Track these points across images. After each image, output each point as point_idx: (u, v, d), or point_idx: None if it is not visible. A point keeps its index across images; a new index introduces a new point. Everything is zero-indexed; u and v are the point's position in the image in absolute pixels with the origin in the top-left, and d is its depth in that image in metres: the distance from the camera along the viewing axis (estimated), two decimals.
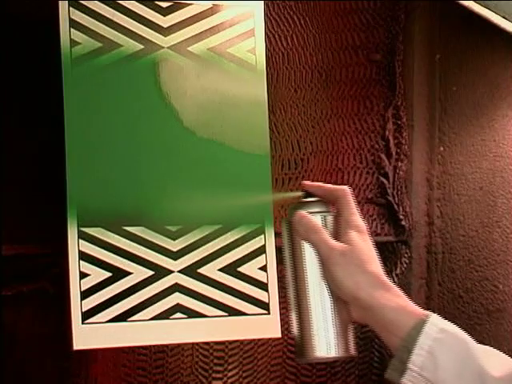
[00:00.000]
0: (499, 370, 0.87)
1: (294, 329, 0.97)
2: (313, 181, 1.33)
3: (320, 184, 1.02)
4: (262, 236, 1.14)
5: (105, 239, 1.07)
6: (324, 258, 0.94)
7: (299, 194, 1.02)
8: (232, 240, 1.13)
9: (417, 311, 0.90)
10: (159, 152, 1.11)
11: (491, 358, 0.89)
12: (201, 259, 1.11)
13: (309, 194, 1.01)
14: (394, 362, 0.90)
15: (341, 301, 0.95)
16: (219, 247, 1.12)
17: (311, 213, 0.98)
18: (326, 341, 0.95)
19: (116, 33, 1.10)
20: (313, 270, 0.97)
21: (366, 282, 0.92)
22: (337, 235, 0.97)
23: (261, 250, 1.14)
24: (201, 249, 1.11)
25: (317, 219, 0.98)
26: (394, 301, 0.91)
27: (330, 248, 0.94)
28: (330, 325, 0.95)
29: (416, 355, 0.87)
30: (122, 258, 1.07)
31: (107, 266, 1.07)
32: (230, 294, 1.11)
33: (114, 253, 1.07)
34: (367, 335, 1.30)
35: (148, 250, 1.09)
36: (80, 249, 1.06)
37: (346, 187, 0.99)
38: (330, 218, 0.99)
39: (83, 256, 1.06)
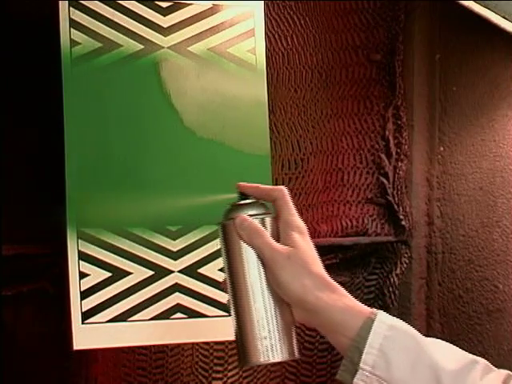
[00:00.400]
0: (452, 363, 0.87)
1: (237, 334, 0.95)
2: (313, 181, 1.33)
3: (256, 185, 0.98)
4: None
5: (105, 239, 1.07)
6: (268, 261, 0.92)
7: (234, 195, 0.99)
8: None
9: (364, 310, 0.89)
10: (159, 152, 1.11)
11: (443, 351, 0.88)
12: (201, 259, 1.11)
13: (245, 196, 0.99)
14: (345, 363, 0.89)
15: (284, 303, 0.93)
16: (219, 247, 1.12)
17: (250, 215, 0.95)
18: (270, 345, 0.94)
19: (116, 33, 1.10)
20: (253, 273, 0.94)
21: (312, 284, 0.90)
22: (277, 237, 0.95)
23: None
24: (201, 249, 1.11)
25: (257, 222, 0.95)
26: (341, 301, 0.90)
27: (274, 251, 0.92)
28: (273, 329, 0.93)
29: (367, 354, 0.87)
30: (121, 258, 1.07)
31: (107, 265, 1.07)
32: None
33: (114, 253, 1.07)
34: None
35: (148, 250, 1.09)
36: (80, 249, 1.05)
37: (283, 187, 0.96)
38: (268, 220, 0.95)
39: (83, 256, 1.06)
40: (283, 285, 0.91)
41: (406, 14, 1.42)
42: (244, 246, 0.94)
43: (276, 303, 0.93)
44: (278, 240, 0.93)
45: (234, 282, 0.95)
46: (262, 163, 1.16)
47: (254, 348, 0.93)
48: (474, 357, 0.88)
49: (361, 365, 0.87)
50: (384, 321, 0.88)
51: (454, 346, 0.90)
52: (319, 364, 1.33)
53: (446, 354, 0.88)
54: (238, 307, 0.95)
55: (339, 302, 0.89)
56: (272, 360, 0.93)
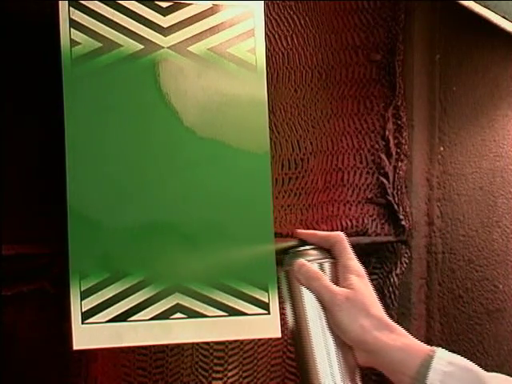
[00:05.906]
0: None
1: (302, 377, 0.98)
2: (313, 181, 1.33)
3: (313, 232, 1.04)
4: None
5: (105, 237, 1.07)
6: (328, 304, 0.96)
7: (293, 243, 1.03)
8: None
9: (423, 348, 0.92)
10: (158, 151, 1.11)
11: None
12: None
13: (303, 242, 1.02)
14: None
15: (346, 346, 0.96)
16: None
17: (309, 261, 0.99)
18: None
19: (116, 33, 1.10)
20: (315, 317, 0.98)
21: (370, 326, 0.93)
22: (336, 281, 0.98)
23: None
24: None
25: (316, 266, 0.99)
26: (400, 340, 0.92)
27: (333, 294, 0.95)
28: (336, 371, 0.97)
29: None
30: None
31: None
32: (230, 293, 1.11)
33: None
34: None
35: None
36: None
37: (340, 233, 1.02)
38: (327, 265, 1.00)
39: None
40: (342, 326, 0.94)
41: (406, 13, 1.42)
42: (304, 290, 0.99)
43: (338, 346, 0.96)
44: (337, 284, 0.97)
45: (297, 327, 1.00)
46: (261, 163, 1.16)
47: None
48: None
49: None
50: (443, 357, 0.89)
51: None
52: None
53: None
54: (302, 350, 0.99)
55: (398, 341, 0.92)
56: None
